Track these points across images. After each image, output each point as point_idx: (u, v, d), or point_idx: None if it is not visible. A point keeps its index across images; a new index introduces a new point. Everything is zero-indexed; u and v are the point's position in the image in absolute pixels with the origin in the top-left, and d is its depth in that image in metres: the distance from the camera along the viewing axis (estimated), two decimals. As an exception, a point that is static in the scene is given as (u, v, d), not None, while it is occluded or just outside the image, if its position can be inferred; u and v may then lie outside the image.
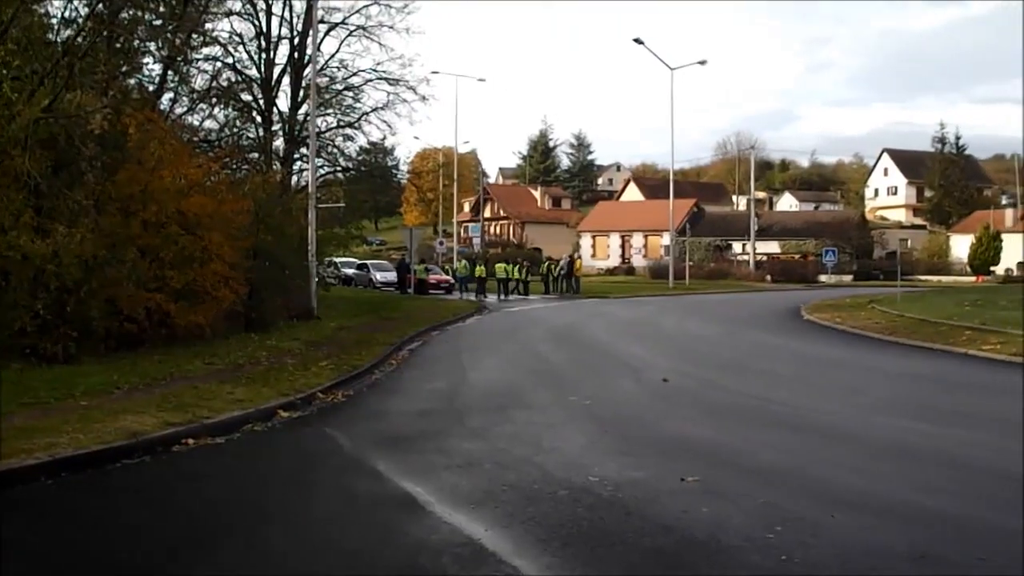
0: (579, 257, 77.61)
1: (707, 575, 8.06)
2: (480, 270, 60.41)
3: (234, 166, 41.20)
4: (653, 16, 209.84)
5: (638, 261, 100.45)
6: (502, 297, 57.26)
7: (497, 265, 61.70)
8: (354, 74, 48.84)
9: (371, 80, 48.94)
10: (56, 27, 25.90)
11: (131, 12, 27.99)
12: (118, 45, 27.84)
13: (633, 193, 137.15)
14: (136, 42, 30.75)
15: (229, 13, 44.70)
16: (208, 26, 40.52)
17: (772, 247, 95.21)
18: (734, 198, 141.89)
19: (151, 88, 35.98)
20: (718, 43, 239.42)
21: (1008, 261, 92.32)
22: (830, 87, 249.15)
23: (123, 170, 23.88)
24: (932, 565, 8.23)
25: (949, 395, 19.53)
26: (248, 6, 45.60)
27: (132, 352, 21.84)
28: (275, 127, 47.93)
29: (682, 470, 11.59)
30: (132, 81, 33.04)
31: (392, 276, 62.19)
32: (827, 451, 13.38)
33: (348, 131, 50.76)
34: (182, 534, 9.37)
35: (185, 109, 41.10)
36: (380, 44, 54.99)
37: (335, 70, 48.68)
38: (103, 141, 22.93)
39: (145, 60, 34.81)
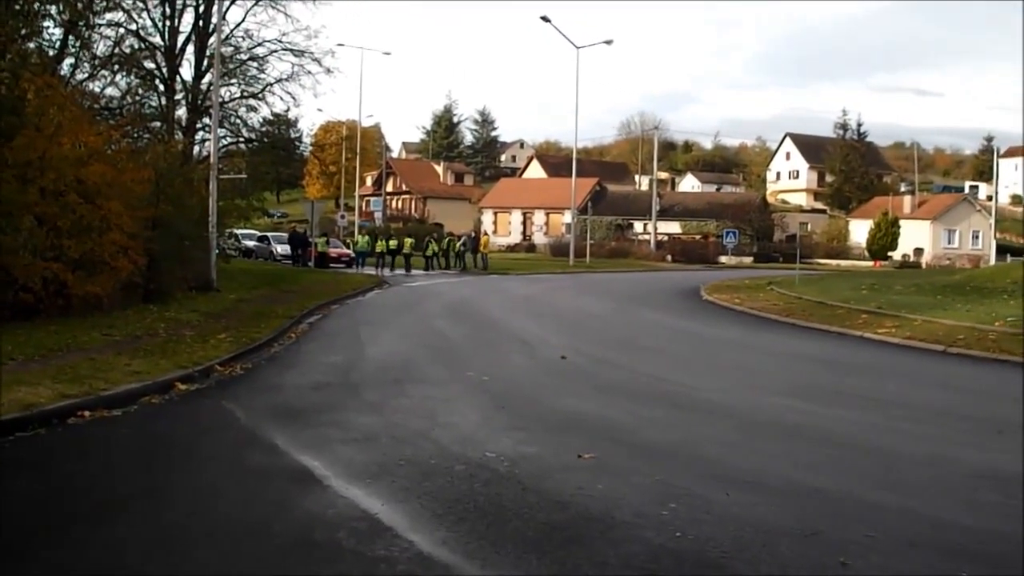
0: (486, 234, 77.80)
1: (602, 551, 8.11)
2: (383, 244, 60.24)
3: (135, 135, 40.53)
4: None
5: (539, 239, 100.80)
6: (405, 272, 57.24)
7: (406, 240, 61.59)
8: (259, 44, 48.68)
9: (276, 51, 48.90)
10: (-48, -12, 25.46)
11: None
12: (17, 7, 27.44)
13: (536, 171, 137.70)
14: (36, 4, 30.28)
15: (133, -23, 44.09)
16: (112, -10, 39.93)
17: (673, 227, 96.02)
18: (637, 178, 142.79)
19: (51, 53, 35.47)
20: (625, 23, 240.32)
21: (905, 247, 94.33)
22: (735, 71, 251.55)
23: (20, 136, 23.45)
24: (823, 542, 8.39)
25: (843, 377, 19.76)
26: (153, -29, 44.98)
27: (27, 322, 21.48)
28: (178, 96, 47.47)
29: (578, 447, 11.72)
30: (31, 45, 32.50)
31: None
32: (720, 430, 13.57)
33: (252, 102, 50.69)
34: (77, 507, 9.28)
35: (86, 75, 40.56)
36: (286, 15, 54.35)
37: (240, 40, 48.42)
38: (0, 106, 22.56)
39: (45, 23, 34.30)
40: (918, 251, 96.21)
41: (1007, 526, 8.98)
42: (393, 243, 60.90)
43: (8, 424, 12.06)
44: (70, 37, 36.14)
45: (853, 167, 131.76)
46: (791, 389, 17.65)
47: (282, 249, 63.73)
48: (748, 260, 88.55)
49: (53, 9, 33.40)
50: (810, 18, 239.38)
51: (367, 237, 63.93)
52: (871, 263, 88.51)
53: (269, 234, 71.73)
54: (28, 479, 10.36)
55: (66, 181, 24.25)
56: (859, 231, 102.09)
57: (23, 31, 29.36)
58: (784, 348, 24.70)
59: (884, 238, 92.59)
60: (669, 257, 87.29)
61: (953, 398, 17.35)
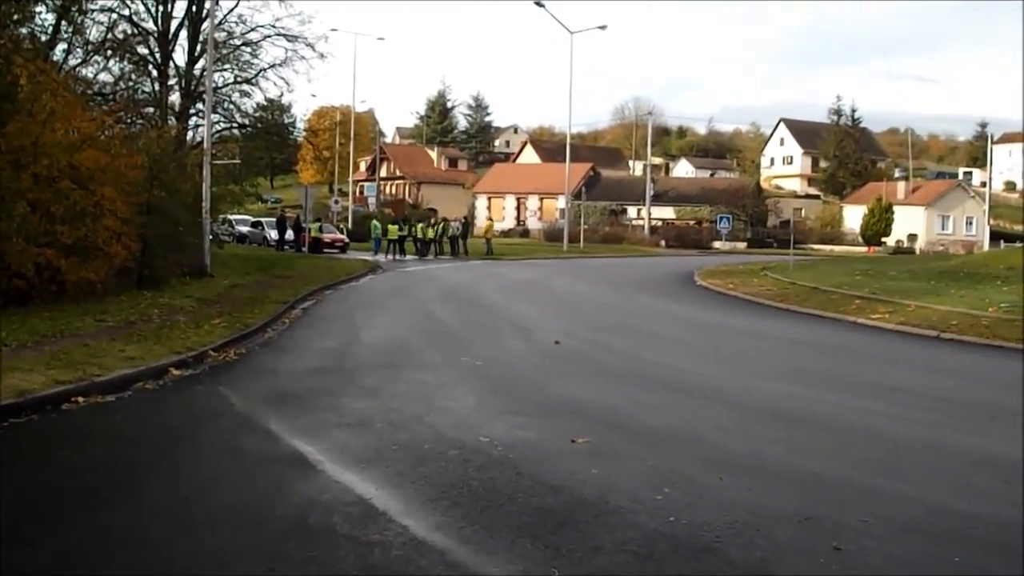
0: (490, 219, 78.30)
1: (596, 535, 8.12)
2: (393, 229, 59.74)
3: (128, 120, 40.38)
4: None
5: (533, 224, 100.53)
6: (397, 256, 57.02)
7: (418, 225, 61.21)
8: (252, 29, 48.28)
9: (269, 36, 48.51)
10: (-57, -27, 25.34)
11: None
12: (9, -8, 27.29)
13: (530, 156, 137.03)
14: (29, -10, 30.17)
15: (127, -37, 43.91)
16: (105, -25, 39.78)
17: (667, 213, 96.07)
18: (631, 163, 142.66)
19: (44, 38, 35.31)
20: (620, 7, 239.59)
21: (899, 233, 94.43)
22: (730, 56, 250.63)
23: (13, 122, 23.36)
24: (817, 527, 8.42)
25: (837, 362, 19.85)
26: (146, -43, 44.79)
27: (21, 308, 21.42)
28: (171, 82, 47.22)
29: (572, 431, 11.74)
30: (24, 30, 32.36)
31: (289, 235, 61.32)
32: (714, 415, 13.58)
33: (245, 87, 50.36)
34: (73, 494, 9.26)
35: (79, 61, 40.33)
36: (279, 0, 54.29)
37: (233, 25, 48.03)
38: (-8, 92, 22.49)
39: (38, 9, 34.14)
40: (912, 237, 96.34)
41: (1003, 512, 9.00)
42: (395, 229, 60.35)
43: (2, 410, 12.02)
44: (63, 22, 36.00)
45: (847, 153, 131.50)
46: (786, 374, 17.70)
47: (277, 235, 63.45)
48: (742, 246, 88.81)
49: (46, -6, 33.30)
50: (809, 5, 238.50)
51: (375, 222, 63.44)
52: (865, 249, 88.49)
53: (263, 220, 71.54)
54: (22, 466, 10.35)
55: (59, 167, 24.16)
56: (853, 217, 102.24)
57: (15, 16, 29.22)
58: (779, 333, 24.69)
59: (878, 224, 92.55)
60: (663, 242, 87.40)
61: (947, 383, 17.37)
